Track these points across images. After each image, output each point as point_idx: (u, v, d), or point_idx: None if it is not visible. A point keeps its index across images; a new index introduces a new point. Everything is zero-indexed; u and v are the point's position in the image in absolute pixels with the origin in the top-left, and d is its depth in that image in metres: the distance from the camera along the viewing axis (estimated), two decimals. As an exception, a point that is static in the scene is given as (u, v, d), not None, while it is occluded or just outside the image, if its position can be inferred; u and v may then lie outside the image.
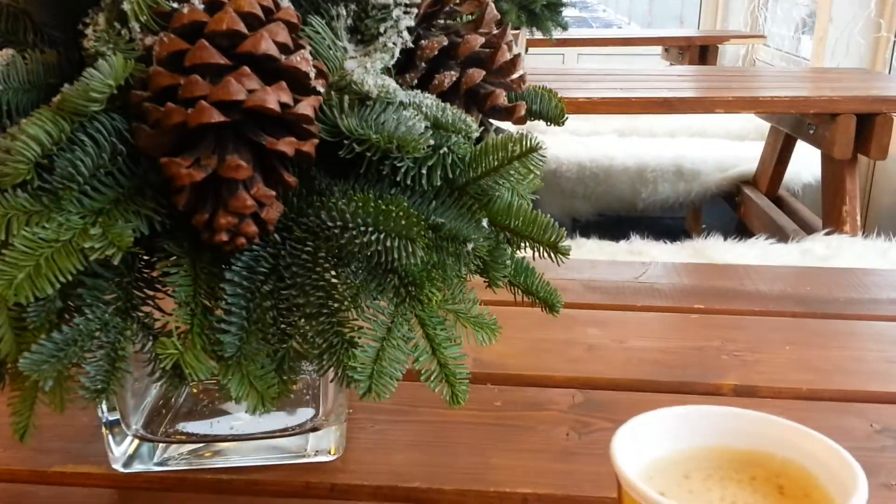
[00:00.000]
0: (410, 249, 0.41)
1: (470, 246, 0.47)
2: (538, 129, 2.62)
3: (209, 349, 0.40)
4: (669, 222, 3.13)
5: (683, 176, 2.89)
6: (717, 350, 0.76)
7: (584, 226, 2.80)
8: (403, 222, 0.41)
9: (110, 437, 0.57)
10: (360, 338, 0.43)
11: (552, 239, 0.49)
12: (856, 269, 1.03)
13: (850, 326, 0.84)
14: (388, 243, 0.41)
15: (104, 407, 0.56)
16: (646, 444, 0.38)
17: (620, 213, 2.98)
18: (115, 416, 0.57)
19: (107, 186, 0.39)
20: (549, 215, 0.50)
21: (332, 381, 0.47)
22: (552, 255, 0.49)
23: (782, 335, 0.81)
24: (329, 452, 0.58)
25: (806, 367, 0.74)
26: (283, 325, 0.42)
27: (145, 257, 0.42)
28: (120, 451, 0.57)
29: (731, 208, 2.95)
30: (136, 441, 0.57)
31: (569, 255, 0.49)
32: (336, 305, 0.42)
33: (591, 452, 0.60)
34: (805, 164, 2.74)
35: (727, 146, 3.05)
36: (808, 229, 2.33)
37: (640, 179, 2.89)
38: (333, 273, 0.44)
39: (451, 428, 0.63)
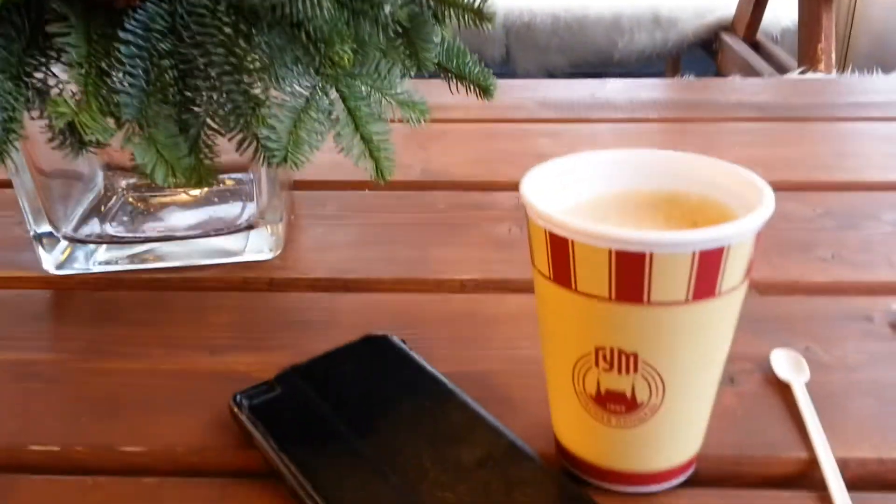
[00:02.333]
0: (316, 1, 0.39)
1: (387, 9, 0.45)
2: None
3: (106, 111, 0.38)
4: (647, 74, 3.07)
5: (660, 24, 2.81)
6: (668, 154, 0.76)
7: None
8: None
9: (41, 247, 0.56)
10: (267, 99, 0.41)
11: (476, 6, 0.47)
12: (816, 79, 1.01)
13: (804, 128, 0.83)
14: (291, -7, 0.38)
15: (31, 219, 0.55)
16: (560, 190, 0.37)
17: (597, 66, 2.92)
18: (45, 228, 0.56)
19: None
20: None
21: (247, 152, 0.45)
22: None
23: (734, 138, 0.80)
24: (268, 251, 0.58)
25: (754, 163, 0.73)
26: (184, 87, 0.40)
27: (37, 19, 0.40)
28: (53, 256, 0.56)
29: (709, 57, 2.89)
30: (69, 246, 0.56)
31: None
32: (239, 63, 0.40)
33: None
34: (784, 6, 2.66)
35: (705, -9, 2.95)
36: (785, 72, 2.29)
37: (615, 29, 2.81)
38: (244, 44, 0.42)
39: (393, 229, 0.63)
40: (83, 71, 0.39)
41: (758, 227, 0.31)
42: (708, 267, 0.30)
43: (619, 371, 0.33)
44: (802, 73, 2.01)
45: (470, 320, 0.50)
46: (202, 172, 0.46)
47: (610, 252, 0.30)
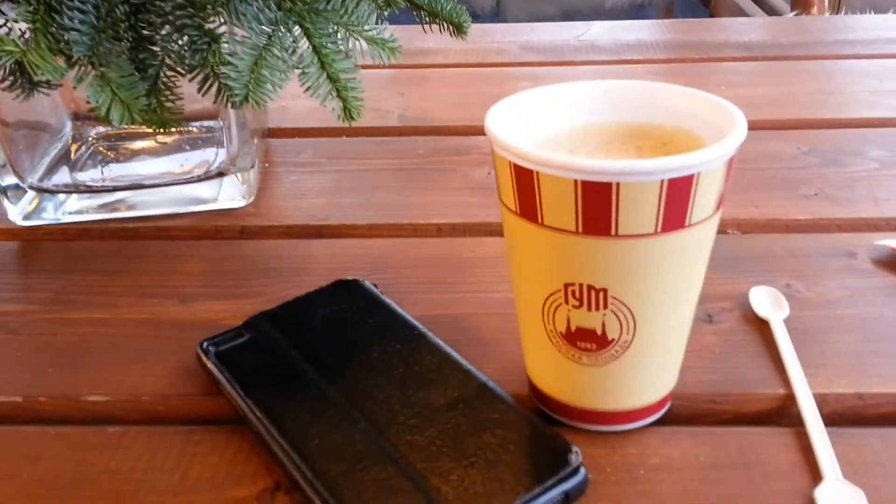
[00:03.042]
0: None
1: (352, -61, 0.43)
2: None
3: (56, 49, 0.37)
4: (639, 22, 3.02)
5: (653, -31, 2.76)
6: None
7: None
8: None
9: (6, 199, 0.54)
10: (224, 35, 0.40)
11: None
12: (803, 19, 0.99)
13: (791, 66, 0.81)
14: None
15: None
16: (528, 123, 0.36)
17: (588, 14, 2.87)
18: (11, 180, 0.54)
19: None
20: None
21: (217, 99, 0.44)
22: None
23: (721, 77, 0.78)
24: (240, 198, 0.56)
25: (740, 102, 0.72)
26: (138, 23, 0.38)
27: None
28: (19, 207, 0.54)
29: (702, 6, 2.84)
30: (36, 197, 0.55)
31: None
32: (193, -4, 0.38)
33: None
34: (779, -52, 2.60)
35: (699, -66, 2.89)
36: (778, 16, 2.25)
37: (607, -24, 2.76)
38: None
39: (370, 175, 0.61)
40: (31, 8, 0.37)
41: (728, 154, 0.30)
42: (677, 196, 0.29)
43: (589, 307, 0.32)
44: (796, 16, 1.98)
45: (446, 264, 0.49)
46: (163, 115, 0.44)
47: (575, 183, 0.29)
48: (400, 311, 0.42)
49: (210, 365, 0.39)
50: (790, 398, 0.37)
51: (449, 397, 0.36)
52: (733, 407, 0.37)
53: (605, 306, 0.32)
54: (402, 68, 0.84)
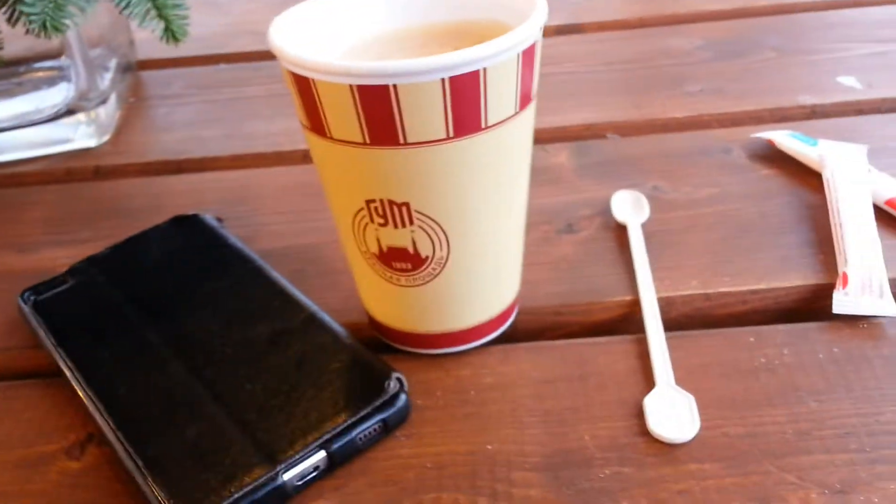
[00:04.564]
0: None
1: None
2: None
3: None
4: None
5: None
6: None
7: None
8: None
9: None
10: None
11: None
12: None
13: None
14: None
15: None
16: (338, 31, 0.33)
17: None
18: None
19: None
20: None
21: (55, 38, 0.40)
22: None
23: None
24: (94, 137, 0.53)
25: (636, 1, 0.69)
26: None
27: None
28: None
29: None
30: None
31: None
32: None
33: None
34: None
35: None
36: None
37: None
38: None
39: (242, 103, 0.58)
40: None
41: (519, 46, 0.27)
42: (464, 96, 0.27)
43: (396, 225, 0.30)
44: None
45: (307, 192, 0.47)
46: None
47: (351, 88, 0.26)
48: (239, 245, 0.39)
49: (28, 315, 0.36)
50: (637, 304, 0.35)
51: (274, 331, 0.34)
52: (579, 318, 0.36)
53: (411, 222, 0.29)
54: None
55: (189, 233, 0.40)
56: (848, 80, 0.52)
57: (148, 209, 0.47)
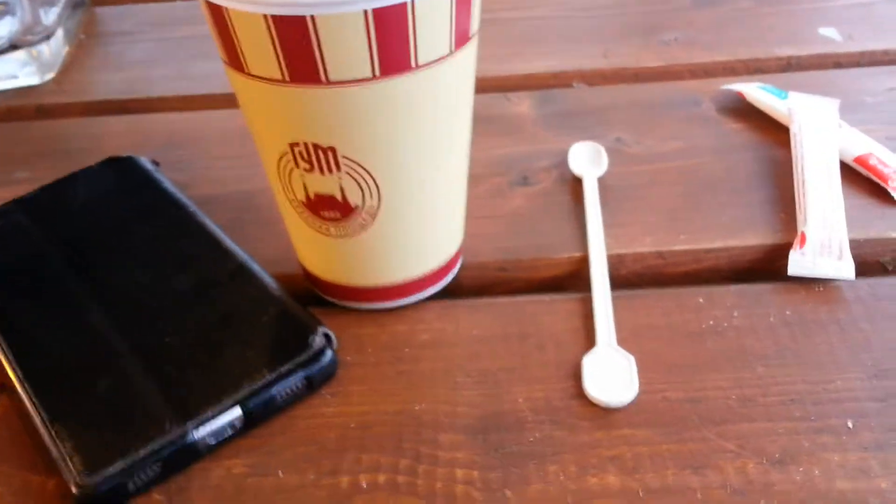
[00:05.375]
0: None
1: None
2: None
3: None
4: None
5: None
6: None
7: None
8: None
9: None
10: None
11: None
12: None
13: None
14: None
15: None
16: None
17: None
18: None
19: None
20: None
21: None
22: None
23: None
24: (38, 74, 0.50)
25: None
26: None
27: None
28: None
29: None
30: None
31: None
32: None
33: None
34: None
35: None
36: None
37: None
38: None
39: (198, 42, 0.55)
40: None
41: (453, -25, 0.25)
42: (390, 31, 0.24)
43: (322, 171, 0.28)
44: None
45: (256, 136, 0.45)
46: None
47: (266, 18, 0.24)
48: (172, 190, 0.37)
49: (-56, 260, 0.34)
50: (586, 261, 0.33)
51: (200, 282, 0.32)
52: (525, 274, 0.34)
53: (338, 168, 0.27)
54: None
55: (121, 176, 0.38)
56: (828, 32, 0.50)
57: (88, 150, 0.44)
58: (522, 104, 0.45)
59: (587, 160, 0.39)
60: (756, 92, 0.42)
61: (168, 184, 0.37)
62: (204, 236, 0.34)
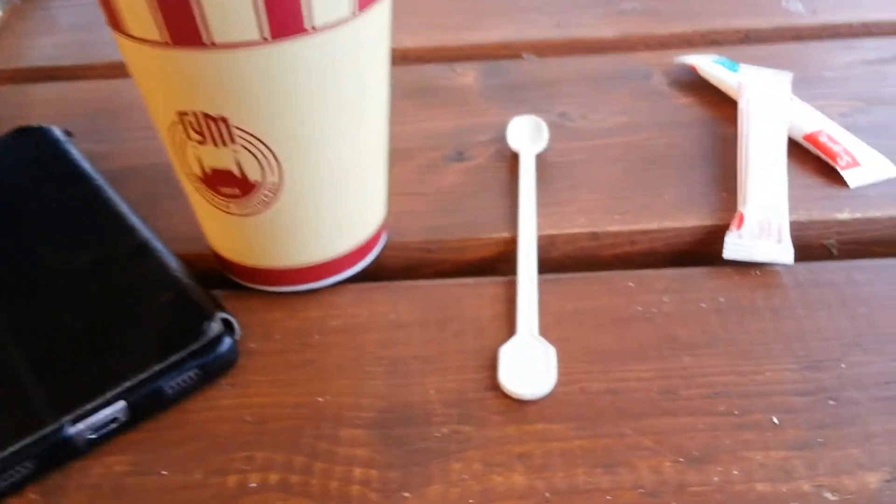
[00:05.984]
0: None
1: None
2: None
3: None
4: None
5: None
6: None
7: None
8: None
9: None
10: None
11: None
12: None
13: None
14: None
15: None
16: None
17: None
18: None
19: None
20: None
21: None
22: None
23: None
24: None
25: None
26: None
27: None
28: None
29: None
30: None
31: None
32: None
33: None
34: None
35: None
36: None
37: None
38: None
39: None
40: None
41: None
42: (276, -12, 0.22)
43: (215, 143, 0.26)
44: None
45: (186, 107, 0.42)
46: None
47: (138, -27, 0.22)
48: (81, 162, 0.35)
49: None
50: (516, 242, 0.32)
51: (97, 260, 0.30)
52: (451, 255, 0.32)
53: (232, 140, 0.25)
54: None
55: (29, 147, 0.36)
56: (794, 6, 0.48)
57: (7, 120, 0.42)
58: (468, 76, 0.43)
59: (527, 135, 0.37)
60: (709, 65, 0.40)
61: (78, 155, 0.35)
62: (108, 211, 0.32)
